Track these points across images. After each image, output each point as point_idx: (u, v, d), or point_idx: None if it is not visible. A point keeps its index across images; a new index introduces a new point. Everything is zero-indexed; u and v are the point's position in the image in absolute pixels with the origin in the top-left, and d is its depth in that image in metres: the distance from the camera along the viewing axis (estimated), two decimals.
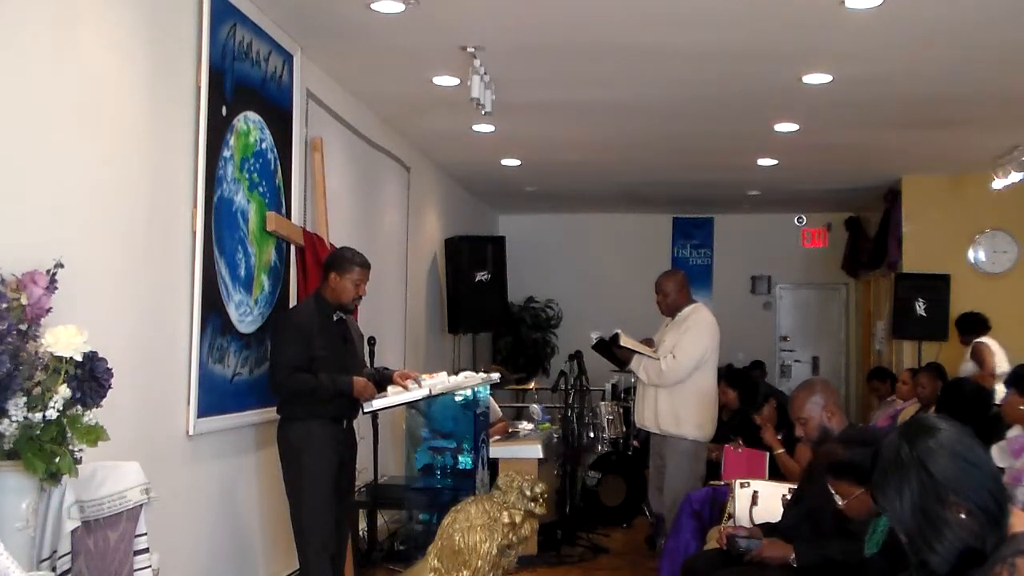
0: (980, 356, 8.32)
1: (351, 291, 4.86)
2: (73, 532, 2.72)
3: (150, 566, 3.07)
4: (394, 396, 5.01)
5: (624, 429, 8.77)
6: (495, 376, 5.97)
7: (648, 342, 6.34)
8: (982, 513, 2.03)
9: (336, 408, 4.79)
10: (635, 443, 8.61)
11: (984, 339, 8.49)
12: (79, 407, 2.68)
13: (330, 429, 4.77)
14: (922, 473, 2.07)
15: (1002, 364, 8.19)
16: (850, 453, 3.37)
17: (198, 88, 4.36)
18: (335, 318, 4.88)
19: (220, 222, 4.57)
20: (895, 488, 2.10)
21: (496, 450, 6.81)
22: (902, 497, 2.08)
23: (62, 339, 2.64)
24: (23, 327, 2.66)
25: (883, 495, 2.13)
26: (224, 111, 4.60)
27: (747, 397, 6.79)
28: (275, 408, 4.85)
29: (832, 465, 3.44)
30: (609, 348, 6.38)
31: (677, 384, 6.08)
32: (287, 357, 4.70)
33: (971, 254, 9.89)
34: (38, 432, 2.57)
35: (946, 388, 6.14)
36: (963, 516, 2.03)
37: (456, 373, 5.73)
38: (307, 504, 4.68)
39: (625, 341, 6.25)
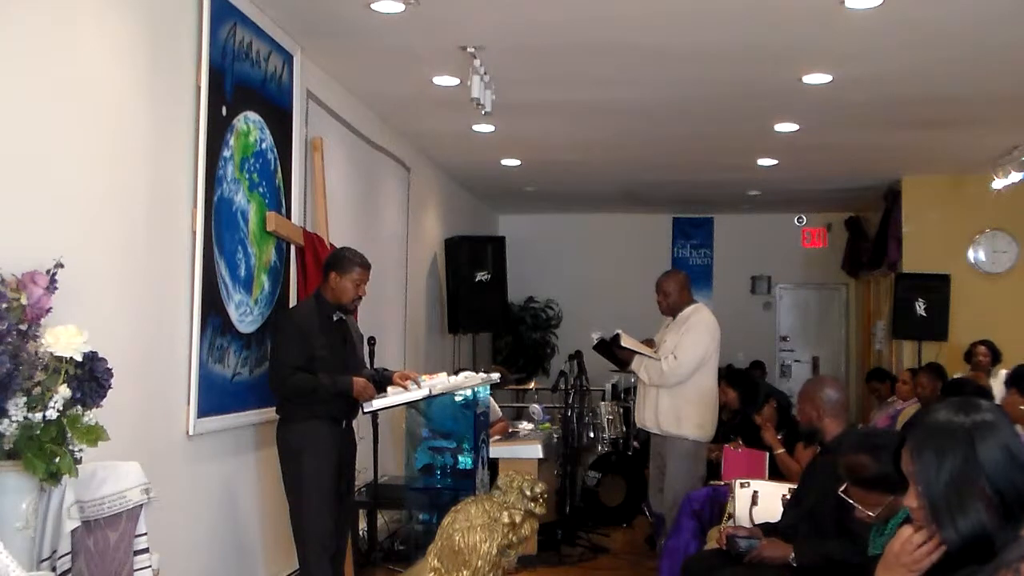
0: None
1: (351, 291, 4.85)
2: (73, 532, 2.72)
3: (150, 566, 3.07)
4: (394, 396, 5.00)
5: (624, 429, 8.78)
6: (495, 376, 5.97)
7: (649, 342, 6.34)
8: (1003, 507, 2.04)
9: (335, 408, 4.78)
10: (635, 443, 8.62)
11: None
12: (79, 407, 2.68)
13: (329, 429, 4.75)
14: (969, 450, 2.07)
15: None
16: (881, 465, 3.27)
17: (198, 88, 4.36)
18: (335, 318, 4.87)
19: (220, 222, 4.57)
20: (935, 452, 2.09)
21: (496, 450, 6.82)
22: (940, 464, 2.08)
23: (62, 339, 2.64)
24: (23, 327, 2.67)
25: (919, 455, 2.11)
26: (224, 111, 4.60)
27: (747, 397, 6.79)
28: (274, 408, 4.85)
29: (864, 480, 3.31)
30: (610, 348, 6.38)
31: (678, 384, 6.08)
32: (287, 357, 4.70)
33: (971, 254, 9.89)
34: (38, 432, 2.57)
35: (946, 388, 6.14)
36: (982, 503, 2.04)
37: (456, 373, 5.73)
38: (306, 504, 4.67)
39: (626, 341, 6.24)
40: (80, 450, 2.66)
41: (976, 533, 2.03)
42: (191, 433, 4.35)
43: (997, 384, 8.32)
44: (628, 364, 6.36)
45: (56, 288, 2.80)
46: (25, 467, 2.55)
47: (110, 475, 2.95)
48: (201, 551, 4.58)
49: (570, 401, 7.63)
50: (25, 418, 2.57)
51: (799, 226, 12.93)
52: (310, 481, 4.66)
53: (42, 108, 3.27)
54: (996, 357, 8.50)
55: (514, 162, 9.55)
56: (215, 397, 4.54)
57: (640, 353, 6.22)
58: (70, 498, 2.71)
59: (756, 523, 4.65)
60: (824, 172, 9.91)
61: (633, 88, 6.75)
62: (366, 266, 4.94)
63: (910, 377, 7.87)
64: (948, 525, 2.05)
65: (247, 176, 4.88)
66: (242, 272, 4.84)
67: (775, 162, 9.34)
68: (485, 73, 5.80)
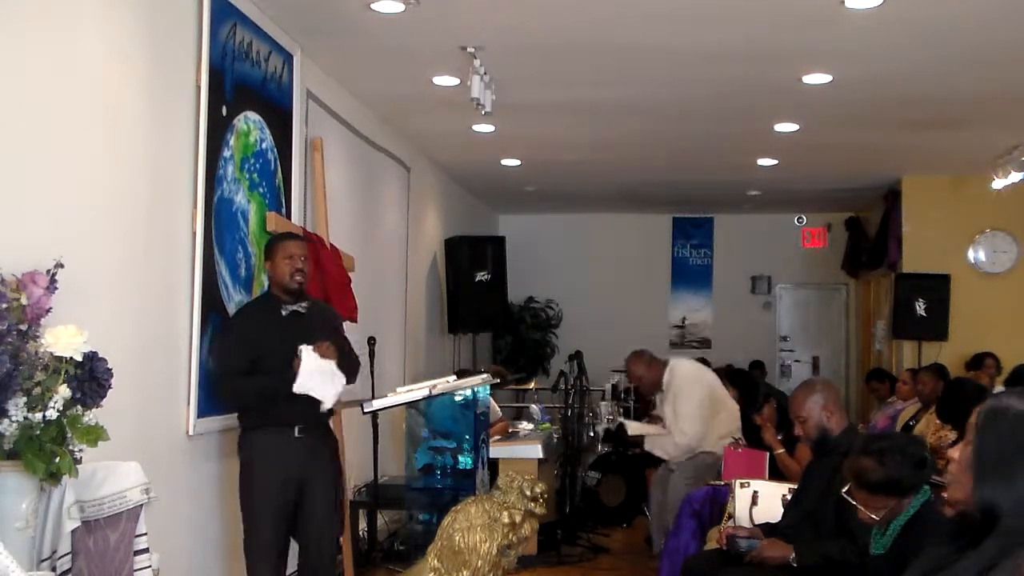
0: None
1: (286, 268, 4.40)
2: (73, 532, 2.72)
3: (150, 566, 3.07)
4: (394, 396, 5.00)
5: None
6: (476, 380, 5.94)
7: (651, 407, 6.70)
8: None
9: (286, 413, 4.29)
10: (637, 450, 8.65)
11: None
12: (79, 407, 2.68)
13: (275, 439, 4.30)
14: None
15: None
16: (887, 469, 3.28)
17: (198, 88, 4.36)
18: (285, 312, 4.42)
19: (220, 222, 4.57)
20: (1011, 422, 2.15)
21: (496, 450, 6.81)
22: (1002, 432, 2.15)
23: (62, 339, 2.64)
24: (23, 327, 2.67)
25: (992, 415, 2.16)
26: (224, 111, 4.60)
27: (747, 397, 6.80)
28: None
29: (871, 484, 3.30)
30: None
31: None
32: (223, 364, 4.36)
33: (971, 254, 9.89)
34: (38, 432, 2.57)
35: (947, 388, 6.14)
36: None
37: (456, 374, 5.74)
38: (248, 526, 4.31)
39: (632, 429, 6.65)
40: (80, 450, 2.66)
41: (1002, 505, 2.09)
42: (191, 433, 4.35)
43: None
44: (642, 444, 6.68)
45: (56, 288, 2.80)
46: (25, 467, 2.55)
47: (110, 475, 2.95)
48: (201, 551, 4.58)
49: (570, 401, 7.63)
50: (25, 418, 2.57)
51: (799, 226, 12.92)
52: (251, 497, 4.30)
53: (42, 108, 3.27)
54: (998, 370, 8.54)
55: (514, 162, 9.55)
56: (215, 397, 4.53)
57: (649, 434, 6.56)
58: (70, 498, 2.71)
59: (756, 523, 4.65)
60: (824, 172, 9.91)
61: (633, 88, 6.75)
62: (294, 237, 4.62)
63: (910, 377, 7.87)
64: (986, 485, 2.11)
65: (247, 176, 4.88)
66: (242, 272, 4.84)
67: (775, 162, 9.34)
68: (485, 73, 5.81)
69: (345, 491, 5.08)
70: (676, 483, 6.23)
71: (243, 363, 4.30)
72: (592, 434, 8.41)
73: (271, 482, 4.28)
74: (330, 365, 4.31)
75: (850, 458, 3.43)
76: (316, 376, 4.25)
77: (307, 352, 4.24)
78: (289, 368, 4.25)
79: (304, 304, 4.49)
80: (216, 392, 4.46)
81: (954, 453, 2.22)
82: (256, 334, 4.35)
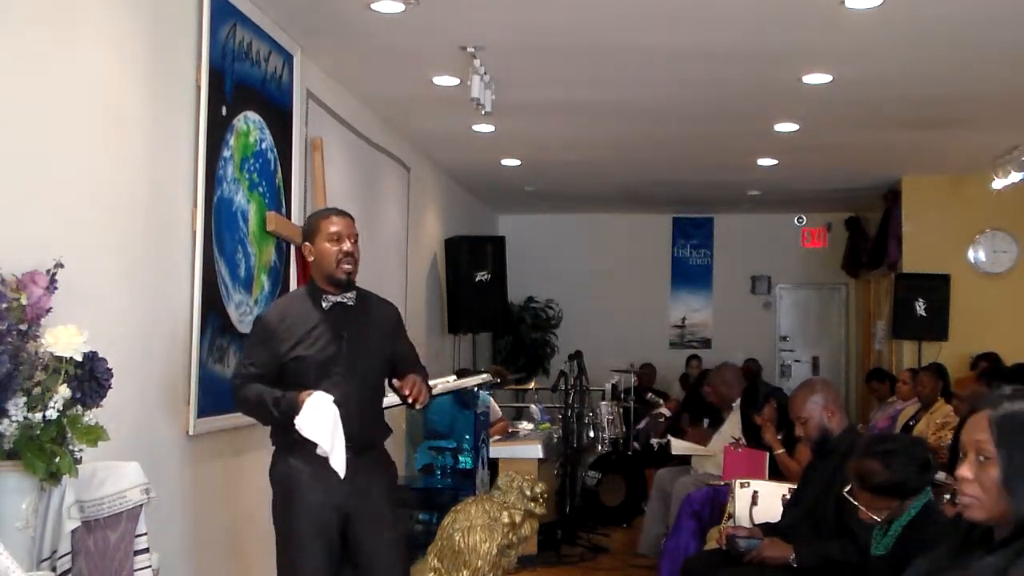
0: None
1: (333, 251, 3.66)
2: (73, 532, 2.72)
3: (150, 566, 3.07)
4: (394, 396, 4.99)
5: (624, 429, 8.79)
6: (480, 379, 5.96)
7: (662, 396, 6.86)
8: None
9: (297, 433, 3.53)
10: (635, 445, 8.66)
11: None
12: (79, 407, 2.68)
13: (302, 468, 3.60)
14: None
15: None
16: (892, 472, 3.28)
17: (198, 88, 4.36)
18: (326, 304, 3.70)
19: (220, 222, 4.57)
20: None
21: (496, 450, 6.83)
22: None
23: (62, 339, 2.64)
24: (23, 327, 2.66)
25: (1006, 426, 2.15)
26: (224, 111, 4.60)
27: (747, 397, 6.80)
28: None
29: (875, 486, 3.31)
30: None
31: None
32: (238, 363, 3.86)
33: (971, 254, 9.89)
34: (38, 432, 2.57)
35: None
36: None
37: (456, 374, 5.74)
38: (281, 561, 3.68)
39: (675, 448, 6.78)
40: (80, 450, 2.66)
41: None
42: (191, 433, 4.35)
43: None
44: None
45: (56, 288, 2.80)
46: (25, 467, 2.55)
47: (110, 475, 2.94)
48: (201, 551, 4.58)
49: (570, 401, 7.64)
50: (25, 418, 2.57)
51: (799, 226, 12.93)
52: (285, 529, 3.67)
53: (42, 108, 3.27)
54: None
55: (514, 162, 9.55)
56: (215, 397, 4.53)
57: (695, 454, 6.68)
58: (70, 498, 2.71)
59: (756, 523, 4.65)
60: (824, 172, 9.91)
61: (633, 88, 6.75)
62: (340, 213, 3.79)
63: (910, 377, 7.88)
64: (1021, 498, 2.10)
65: (247, 176, 4.88)
66: (242, 272, 4.84)
67: (775, 162, 9.34)
68: (485, 73, 5.81)
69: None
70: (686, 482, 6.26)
71: (262, 364, 3.70)
72: (592, 434, 8.43)
73: (302, 512, 3.61)
74: (336, 415, 3.49)
75: (854, 460, 3.43)
76: (319, 423, 3.46)
77: (319, 394, 3.52)
78: (324, 371, 3.61)
79: (350, 296, 3.72)
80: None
81: (965, 472, 2.17)
82: (286, 330, 3.66)
